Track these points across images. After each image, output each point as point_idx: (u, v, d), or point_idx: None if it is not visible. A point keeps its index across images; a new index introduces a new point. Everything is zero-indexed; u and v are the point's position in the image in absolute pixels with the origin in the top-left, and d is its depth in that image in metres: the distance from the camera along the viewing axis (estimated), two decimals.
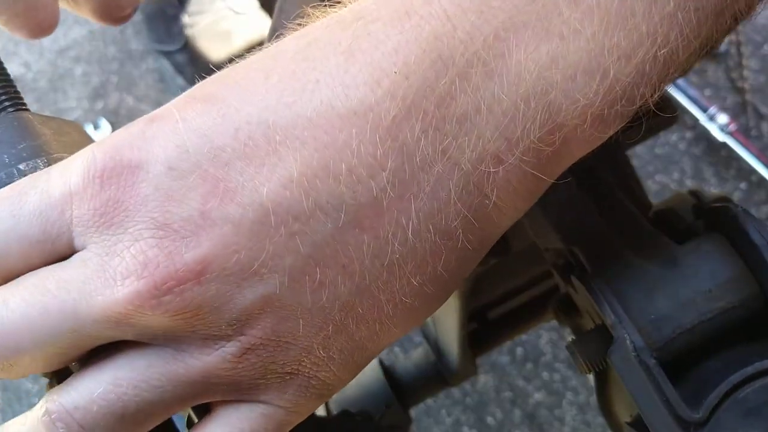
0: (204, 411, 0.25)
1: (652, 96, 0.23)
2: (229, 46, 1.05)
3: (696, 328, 0.27)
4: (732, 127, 0.95)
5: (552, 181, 0.24)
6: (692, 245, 0.29)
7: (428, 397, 0.65)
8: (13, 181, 0.25)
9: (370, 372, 0.63)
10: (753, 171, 0.95)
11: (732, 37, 1.01)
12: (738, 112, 1.00)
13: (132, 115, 1.12)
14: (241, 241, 0.22)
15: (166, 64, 1.10)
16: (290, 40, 0.24)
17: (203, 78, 0.25)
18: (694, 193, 0.35)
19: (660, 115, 0.24)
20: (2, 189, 0.24)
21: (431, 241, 0.23)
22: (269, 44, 0.24)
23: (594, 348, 0.30)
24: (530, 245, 0.41)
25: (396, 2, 0.23)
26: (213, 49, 1.05)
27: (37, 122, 0.27)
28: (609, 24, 0.21)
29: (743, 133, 0.96)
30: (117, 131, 0.24)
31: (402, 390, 0.62)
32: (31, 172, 0.25)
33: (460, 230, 0.23)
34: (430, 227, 0.23)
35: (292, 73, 0.23)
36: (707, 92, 1.01)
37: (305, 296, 0.23)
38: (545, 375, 0.92)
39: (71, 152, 0.26)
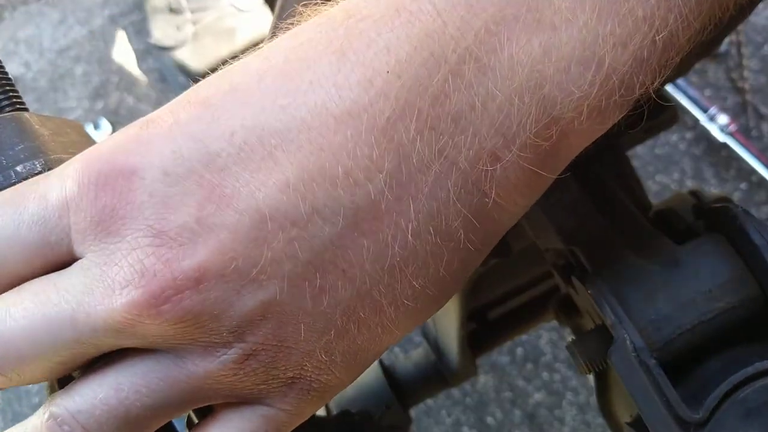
0: (205, 411, 0.25)
1: (653, 83, 0.22)
2: (233, 44, 1.05)
3: (696, 328, 0.27)
4: (732, 127, 0.95)
5: (553, 176, 0.24)
6: (692, 245, 0.29)
7: (428, 397, 0.65)
8: (11, 183, 0.25)
9: (370, 372, 0.62)
10: (753, 171, 0.95)
11: (732, 37, 1.01)
12: (738, 112, 1.00)
13: (132, 115, 1.12)
14: (239, 247, 0.22)
15: (167, 62, 1.10)
16: (283, 41, 0.24)
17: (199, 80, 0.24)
18: (695, 194, 0.35)
19: (660, 115, 0.24)
20: (3, 192, 0.24)
21: (432, 242, 0.23)
22: (264, 44, 0.24)
23: (594, 348, 0.30)
24: (530, 245, 0.41)
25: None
26: (216, 46, 1.05)
27: (35, 122, 0.27)
28: (602, 11, 0.21)
29: (743, 134, 0.96)
30: (113, 135, 0.24)
31: (402, 390, 0.62)
32: (29, 174, 0.25)
33: (461, 230, 0.23)
34: (431, 229, 0.23)
35: (286, 74, 0.22)
36: (707, 92, 1.01)
37: (306, 302, 0.23)
38: (545, 375, 0.92)
39: (70, 153, 0.26)
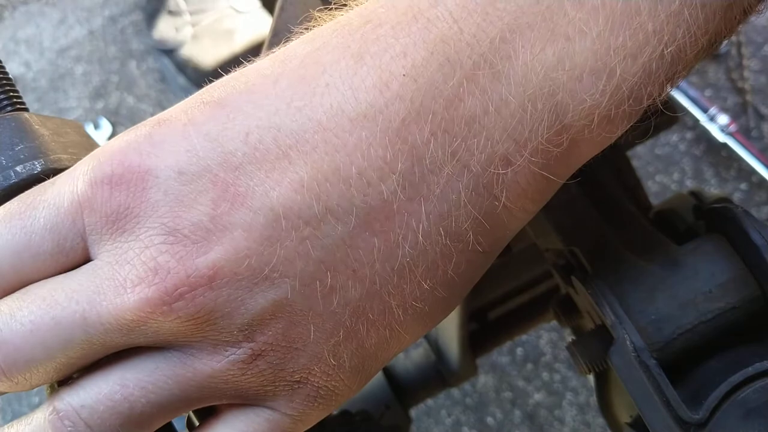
0: (206, 413, 0.25)
1: (660, 95, 0.23)
2: (232, 45, 1.05)
3: (696, 328, 0.27)
4: (732, 127, 0.95)
5: (562, 182, 0.24)
6: (692, 246, 0.29)
7: (428, 397, 0.65)
8: (11, 183, 0.25)
9: None
10: (753, 172, 0.95)
11: (732, 37, 1.01)
12: (738, 112, 1.00)
13: (132, 115, 1.12)
14: (252, 246, 0.22)
15: (167, 63, 1.10)
16: (299, 45, 0.24)
17: (207, 79, 0.24)
18: (695, 194, 0.35)
19: (662, 115, 0.24)
20: (9, 204, 0.24)
21: (442, 243, 0.23)
22: (269, 45, 0.24)
23: (594, 349, 0.30)
24: (530, 245, 0.41)
25: (403, 5, 0.23)
26: (215, 48, 1.05)
27: (35, 122, 0.27)
28: (614, 23, 0.21)
29: (744, 134, 0.96)
30: (122, 134, 0.24)
31: (402, 390, 0.62)
32: (28, 174, 0.25)
33: (471, 232, 0.23)
34: (441, 230, 0.23)
35: (302, 77, 0.23)
36: (708, 93, 1.01)
37: (316, 301, 0.23)
38: (545, 375, 0.92)
39: (70, 153, 0.26)
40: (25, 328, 0.22)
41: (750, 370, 0.25)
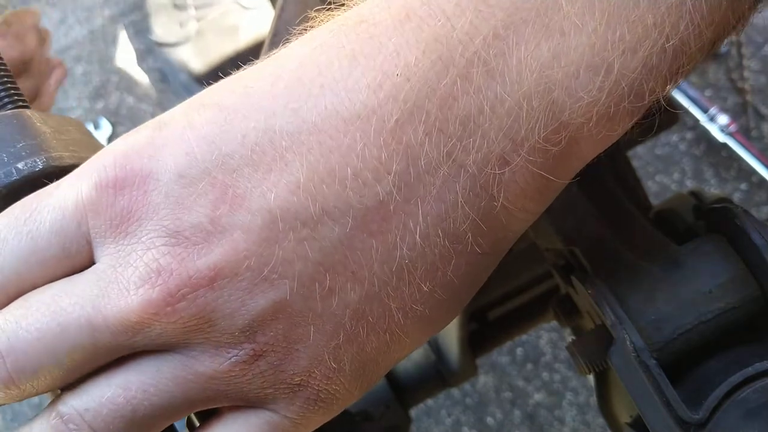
0: (207, 414, 0.25)
1: (663, 91, 0.22)
2: (236, 41, 1.05)
3: (696, 328, 0.27)
4: (732, 127, 0.95)
5: (564, 182, 0.24)
6: (692, 246, 0.29)
7: (428, 397, 0.65)
8: (12, 180, 0.25)
9: None
10: (753, 172, 0.95)
11: (732, 37, 1.01)
12: (738, 112, 0.99)
13: (132, 115, 1.12)
14: (251, 247, 0.22)
15: (168, 59, 1.10)
16: (296, 46, 0.24)
17: (210, 78, 0.25)
18: (695, 194, 0.35)
19: (664, 113, 0.24)
20: (13, 208, 0.24)
21: (440, 244, 0.23)
22: (269, 45, 0.24)
23: (594, 349, 0.30)
24: (530, 245, 0.41)
25: (397, 5, 0.23)
26: (220, 44, 1.05)
27: (36, 120, 0.27)
28: (611, 17, 0.21)
29: (744, 134, 0.96)
30: (124, 137, 0.24)
31: (402, 390, 0.62)
32: (30, 171, 0.25)
33: (470, 233, 0.23)
34: (439, 231, 0.23)
35: (298, 79, 0.23)
36: (708, 93, 1.01)
37: (315, 302, 0.23)
38: (545, 375, 0.92)
39: (71, 151, 0.26)
40: (32, 335, 0.22)
41: (750, 370, 0.25)
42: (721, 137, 0.96)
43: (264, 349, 0.23)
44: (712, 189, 0.97)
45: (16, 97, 0.28)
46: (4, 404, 0.24)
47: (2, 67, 0.29)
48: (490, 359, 0.93)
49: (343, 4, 0.24)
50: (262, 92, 0.23)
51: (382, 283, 0.23)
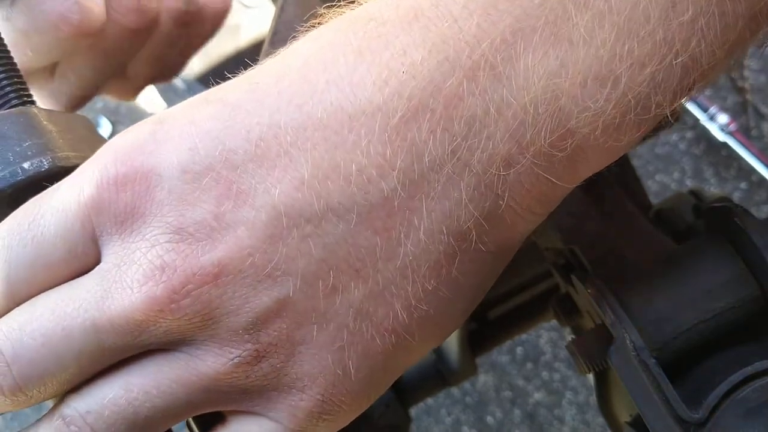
0: (207, 424, 0.25)
1: (671, 105, 0.22)
2: (237, 40, 1.05)
3: (696, 328, 0.27)
4: (732, 126, 0.95)
5: (571, 187, 0.24)
6: (692, 245, 0.29)
7: (428, 396, 0.65)
8: (18, 180, 0.25)
9: None
10: (753, 171, 0.95)
11: None
12: (738, 111, 1.00)
13: (132, 114, 1.12)
14: (255, 243, 0.22)
15: None
16: (302, 43, 0.24)
17: (210, 76, 0.25)
18: (695, 193, 0.35)
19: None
20: (15, 214, 0.24)
21: (445, 242, 0.23)
22: (269, 44, 0.24)
23: (594, 348, 0.30)
24: (530, 245, 0.41)
25: (406, 4, 0.23)
26: (220, 42, 1.04)
27: (43, 118, 0.27)
28: (621, 30, 0.21)
29: (743, 133, 0.96)
30: (124, 132, 0.24)
31: (402, 389, 0.62)
32: (36, 171, 0.25)
33: (474, 231, 0.23)
34: (443, 228, 0.23)
35: (304, 75, 0.23)
36: (707, 92, 1.01)
37: (318, 301, 0.23)
38: (545, 375, 0.92)
39: (78, 150, 0.26)
40: (37, 342, 0.22)
41: (749, 370, 0.25)
42: (721, 136, 0.96)
43: (267, 350, 0.23)
44: (712, 188, 0.97)
45: (22, 92, 0.28)
46: (11, 411, 0.24)
47: (9, 62, 0.29)
48: (490, 358, 0.93)
49: (351, 2, 0.24)
50: (267, 88, 0.23)
51: (386, 281, 0.23)
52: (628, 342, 0.27)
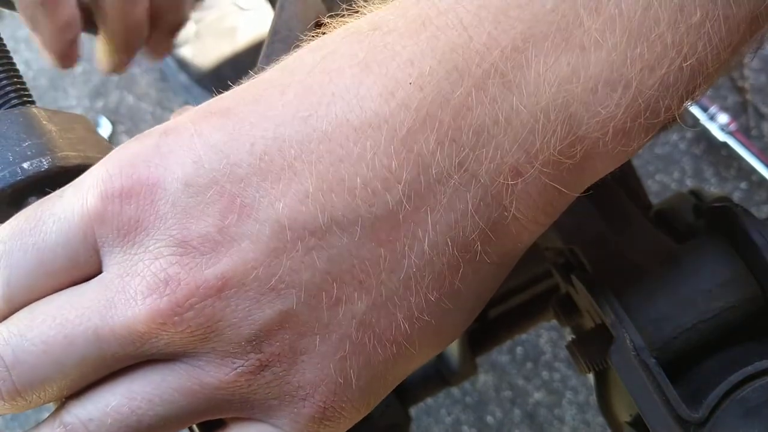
0: (209, 427, 0.25)
1: (678, 108, 0.22)
2: (234, 42, 1.05)
3: (696, 327, 0.27)
4: (732, 126, 0.95)
5: (575, 195, 0.24)
6: (692, 245, 0.29)
7: (428, 396, 0.65)
8: (17, 180, 0.25)
9: None
10: (753, 171, 0.95)
11: None
12: (738, 111, 0.99)
13: (132, 114, 1.12)
14: (259, 257, 0.22)
15: (168, 61, 1.10)
16: (306, 53, 0.24)
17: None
18: (695, 193, 0.35)
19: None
20: (16, 219, 0.24)
21: (449, 254, 0.23)
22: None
23: (594, 348, 0.30)
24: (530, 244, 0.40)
25: (412, 13, 0.22)
26: (218, 45, 1.05)
27: (43, 118, 0.27)
28: (632, 34, 0.21)
29: (744, 133, 0.96)
30: (129, 143, 0.24)
31: (402, 389, 0.62)
32: (35, 171, 0.25)
33: (478, 243, 0.23)
34: (448, 240, 0.23)
35: (309, 87, 0.23)
36: (707, 92, 1.01)
37: (322, 312, 0.23)
38: (545, 374, 0.92)
39: (78, 150, 0.26)
40: (38, 348, 0.22)
41: (749, 369, 0.25)
42: (721, 136, 0.95)
43: (270, 360, 0.23)
44: (712, 188, 0.97)
45: (22, 93, 0.28)
46: (10, 413, 0.24)
47: (9, 62, 0.29)
48: (489, 358, 0.93)
49: (356, 11, 0.24)
50: (271, 100, 0.23)
51: (390, 293, 0.23)
52: (628, 342, 0.27)
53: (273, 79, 0.23)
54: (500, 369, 0.93)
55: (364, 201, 0.22)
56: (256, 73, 0.25)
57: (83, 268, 0.23)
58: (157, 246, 0.22)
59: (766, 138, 0.98)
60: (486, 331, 0.58)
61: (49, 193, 0.24)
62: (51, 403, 0.24)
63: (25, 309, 0.23)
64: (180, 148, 0.23)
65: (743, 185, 0.97)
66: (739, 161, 0.96)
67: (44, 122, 0.26)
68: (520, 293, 0.56)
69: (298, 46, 0.24)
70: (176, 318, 0.22)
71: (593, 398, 0.88)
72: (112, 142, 1.07)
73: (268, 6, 1.07)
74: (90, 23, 0.47)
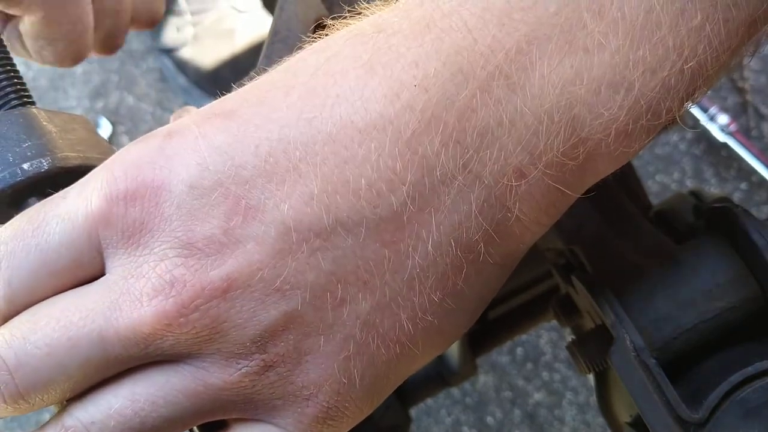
0: (212, 427, 0.25)
1: (679, 110, 0.22)
2: (232, 45, 1.05)
3: (696, 328, 0.27)
4: (732, 127, 0.95)
5: (577, 195, 0.24)
6: (692, 245, 0.29)
7: (428, 397, 0.65)
8: (17, 181, 0.25)
9: None
10: (753, 171, 0.95)
11: None
12: (739, 112, 1.00)
13: (132, 114, 1.12)
14: (264, 258, 0.22)
15: (167, 63, 1.10)
16: (310, 55, 0.24)
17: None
18: (695, 194, 0.35)
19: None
20: (18, 220, 0.24)
21: (452, 254, 0.23)
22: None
23: (594, 348, 0.30)
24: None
25: (416, 15, 0.23)
26: (216, 48, 1.05)
27: (43, 118, 0.27)
28: (634, 37, 0.21)
29: (744, 134, 0.96)
30: (133, 145, 0.24)
31: (402, 390, 0.62)
32: (35, 172, 0.25)
33: (482, 244, 0.23)
34: (451, 240, 0.23)
35: (312, 89, 0.23)
36: (708, 92, 1.01)
37: (327, 313, 0.23)
38: (545, 375, 0.92)
39: (77, 151, 0.26)
40: (42, 351, 0.22)
41: (750, 370, 0.25)
42: (721, 137, 0.95)
43: (274, 360, 0.23)
44: (712, 188, 0.97)
45: (22, 93, 0.28)
46: (12, 415, 0.24)
47: (9, 62, 0.29)
48: (490, 359, 0.93)
49: (359, 13, 0.24)
50: (276, 102, 0.23)
51: (394, 293, 0.23)
52: (628, 342, 0.27)
53: (276, 81, 0.23)
54: (500, 370, 0.93)
55: (368, 202, 0.22)
56: (257, 74, 0.25)
57: (86, 269, 0.23)
58: (162, 248, 0.22)
59: (766, 139, 0.98)
60: (486, 331, 0.58)
61: (49, 193, 0.24)
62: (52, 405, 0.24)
63: (28, 311, 0.23)
64: (184, 150, 0.23)
65: (743, 186, 0.97)
66: (739, 162, 0.96)
67: (44, 123, 0.26)
68: (520, 294, 0.56)
69: (299, 47, 0.24)
70: (182, 319, 0.22)
71: (593, 399, 0.88)
72: (112, 142, 1.07)
73: (265, 9, 1.07)
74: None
